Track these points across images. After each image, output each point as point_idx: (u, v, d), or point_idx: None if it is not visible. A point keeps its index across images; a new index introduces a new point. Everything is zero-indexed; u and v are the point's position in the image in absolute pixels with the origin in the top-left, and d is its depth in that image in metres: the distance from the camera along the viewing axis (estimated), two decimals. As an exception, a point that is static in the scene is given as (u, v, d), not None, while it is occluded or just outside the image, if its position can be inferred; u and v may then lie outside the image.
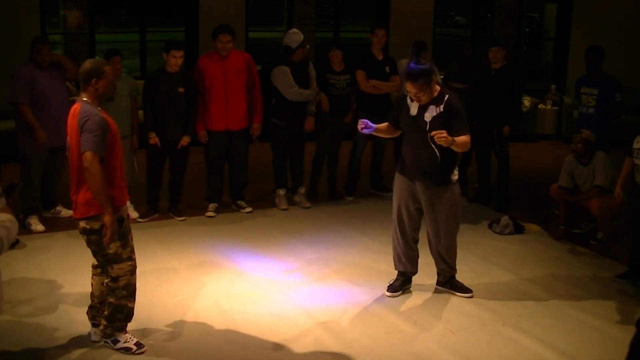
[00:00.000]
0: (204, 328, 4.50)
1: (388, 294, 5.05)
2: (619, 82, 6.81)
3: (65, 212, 6.47)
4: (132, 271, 4.11)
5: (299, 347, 4.30)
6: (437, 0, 11.34)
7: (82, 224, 4.00)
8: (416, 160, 4.83)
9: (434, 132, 4.59)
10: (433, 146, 4.71)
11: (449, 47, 13.20)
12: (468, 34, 14.02)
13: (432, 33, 11.16)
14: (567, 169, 6.31)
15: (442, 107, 4.69)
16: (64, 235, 6.05)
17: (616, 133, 6.96)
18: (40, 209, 6.40)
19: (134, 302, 4.18)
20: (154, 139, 6.33)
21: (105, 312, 4.13)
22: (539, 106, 10.70)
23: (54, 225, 6.27)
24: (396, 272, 5.15)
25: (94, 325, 4.27)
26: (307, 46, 6.79)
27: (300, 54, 6.69)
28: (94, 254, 4.13)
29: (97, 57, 4.07)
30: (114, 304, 4.08)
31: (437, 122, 4.67)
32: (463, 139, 4.69)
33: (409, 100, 4.81)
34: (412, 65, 4.69)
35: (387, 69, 7.21)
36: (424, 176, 4.82)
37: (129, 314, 4.16)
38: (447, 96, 4.73)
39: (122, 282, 4.07)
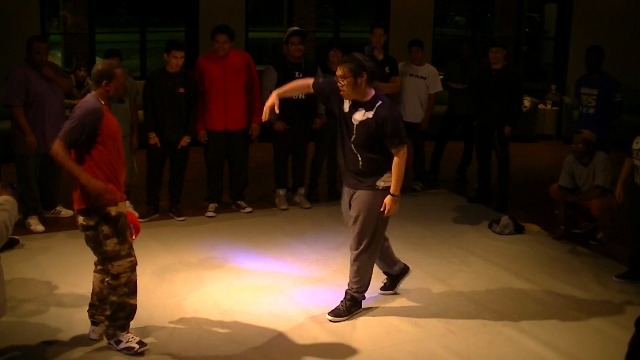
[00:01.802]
0: (204, 328, 4.50)
1: (380, 291, 5.05)
2: (619, 82, 6.82)
3: (65, 212, 6.48)
4: (132, 268, 4.11)
5: (299, 347, 4.30)
6: (437, 0, 11.35)
7: (80, 219, 4.04)
8: (344, 161, 4.60)
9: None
10: (355, 151, 4.47)
11: (449, 47, 13.21)
12: (468, 34, 14.03)
13: (432, 33, 11.16)
14: (567, 169, 6.31)
15: (371, 113, 4.38)
16: (64, 235, 6.05)
17: (616, 133, 6.96)
18: (40, 209, 6.40)
19: (136, 299, 4.18)
20: (153, 139, 6.33)
21: (108, 312, 4.13)
22: (539, 106, 10.70)
23: (53, 226, 6.27)
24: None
25: (93, 323, 4.28)
26: (299, 45, 6.60)
27: (294, 51, 6.60)
28: (94, 251, 4.14)
29: (108, 59, 4.21)
30: (116, 302, 4.09)
31: (365, 129, 4.39)
32: (395, 171, 4.40)
33: None
34: (356, 53, 4.51)
35: (387, 69, 7.20)
36: (350, 178, 4.59)
37: (131, 312, 4.16)
38: (379, 102, 4.41)
39: (122, 279, 4.07)
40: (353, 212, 4.58)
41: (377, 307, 4.85)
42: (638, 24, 10.45)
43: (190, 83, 6.35)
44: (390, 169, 4.47)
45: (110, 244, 4.01)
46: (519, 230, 6.44)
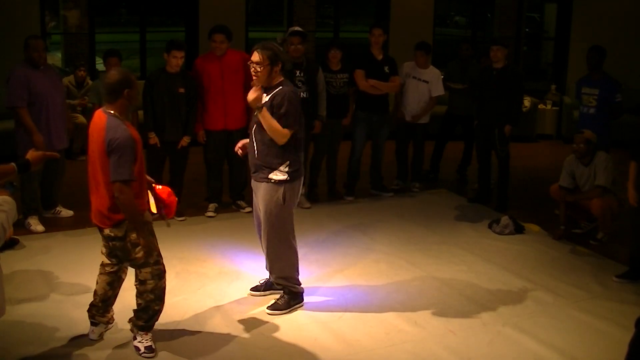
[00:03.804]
0: (204, 328, 4.50)
1: (250, 292, 5.01)
2: (620, 82, 6.82)
3: (65, 213, 6.48)
4: (160, 275, 4.10)
5: (299, 347, 4.30)
6: (437, 0, 11.35)
7: (107, 231, 4.00)
8: (250, 153, 4.66)
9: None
10: (254, 139, 4.55)
11: (449, 47, 13.22)
12: (468, 34, 14.03)
13: (432, 33, 11.17)
14: (568, 169, 6.31)
15: (270, 96, 4.48)
16: (64, 235, 6.05)
17: (616, 133, 6.96)
18: (40, 210, 6.40)
19: (163, 304, 4.18)
20: (153, 139, 6.33)
21: (134, 309, 4.17)
22: (539, 106, 10.71)
23: (53, 226, 6.27)
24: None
25: (92, 324, 4.28)
26: (299, 45, 6.54)
27: (293, 51, 6.55)
28: (121, 260, 4.12)
29: (120, 68, 4.07)
30: (142, 305, 4.12)
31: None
32: (273, 123, 4.39)
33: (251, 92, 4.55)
34: (269, 42, 4.57)
35: (386, 68, 7.20)
36: (253, 173, 4.66)
37: (153, 316, 4.17)
38: (279, 88, 4.48)
39: (149, 286, 4.07)
40: (259, 207, 4.67)
41: (377, 307, 4.85)
42: (638, 24, 10.45)
43: (190, 83, 6.35)
44: (286, 162, 4.53)
45: (140, 252, 4.00)
46: (519, 230, 6.44)
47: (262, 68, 4.44)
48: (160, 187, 4.36)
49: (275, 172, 4.54)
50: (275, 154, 4.52)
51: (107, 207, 3.93)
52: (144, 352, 4.11)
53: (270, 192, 4.56)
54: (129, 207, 3.85)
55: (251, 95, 4.43)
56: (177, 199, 4.38)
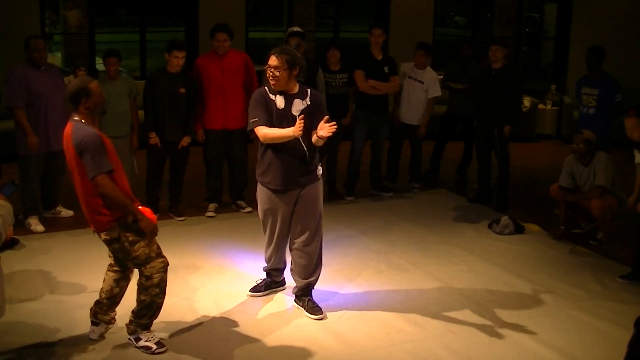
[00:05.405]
0: (204, 328, 4.50)
1: (250, 293, 5.00)
2: (620, 82, 6.82)
3: (66, 212, 6.48)
4: (164, 268, 4.12)
5: (299, 347, 4.30)
6: (437, 0, 11.35)
7: (103, 235, 4.03)
8: (285, 162, 4.53)
9: (328, 125, 4.30)
10: (303, 144, 4.51)
11: (449, 47, 13.22)
12: (468, 34, 14.03)
13: (432, 33, 11.17)
14: (567, 169, 6.31)
15: (308, 99, 4.57)
16: (64, 235, 6.05)
17: (616, 133, 6.95)
18: (40, 210, 6.40)
19: (164, 298, 4.20)
20: (154, 139, 6.33)
21: (134, 308, 4.17)
22: (539, 106, 10.70)
23: (54, 226, 6.27)
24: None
25: (93, 323, 4.28)
26: (301, 45, 6.50)
27: None
28: (123, 262, 4.14)
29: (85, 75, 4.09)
30: (146, 301, 4.11)
31: (307, 117, 4.43)
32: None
33: (270, 95, 4.55)
34: (286, 47, 4.65)
35: (386, 69, 7.20)
36: (296, 180, 4.57)
37: (156, 312, 4.18)
38: (309, 90, 4.63)
39: (155, 280, 4.08)
40: (308, 207, 4.63)
41: (377, 307, 4.85)
42: (638, 24, 10.45)
43: (190, 83, 6.36)
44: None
45: (139, 249, 4.02)
46: (519, 230, 6.44)
47: (280, 72, 4.46)
48: (140, 207, 4.25)
49: (318, 168, 4.70)
50: (316, 151, 4.67)
51: (94, 210, 3.98)
52: (157, 349, 4.12)
53: (320, 188, 4.71)
54: (115, 196, 3.89)
55: (323, 133, 4.34)
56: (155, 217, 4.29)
